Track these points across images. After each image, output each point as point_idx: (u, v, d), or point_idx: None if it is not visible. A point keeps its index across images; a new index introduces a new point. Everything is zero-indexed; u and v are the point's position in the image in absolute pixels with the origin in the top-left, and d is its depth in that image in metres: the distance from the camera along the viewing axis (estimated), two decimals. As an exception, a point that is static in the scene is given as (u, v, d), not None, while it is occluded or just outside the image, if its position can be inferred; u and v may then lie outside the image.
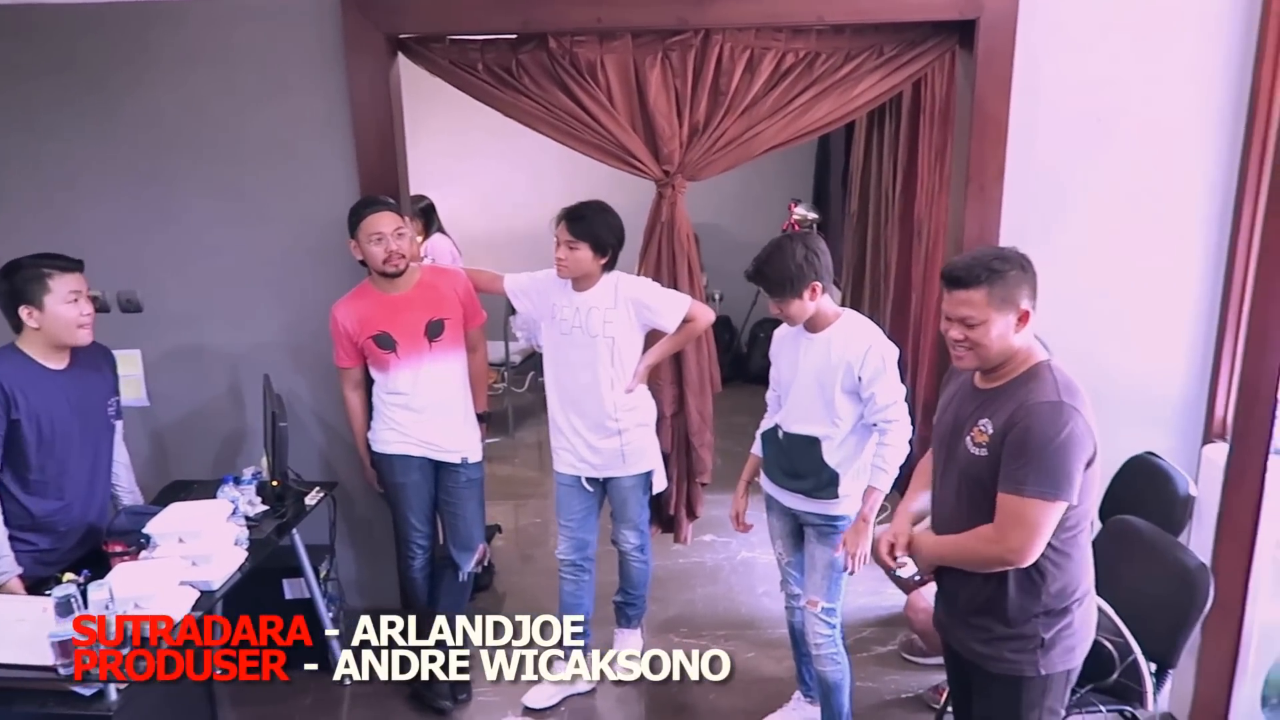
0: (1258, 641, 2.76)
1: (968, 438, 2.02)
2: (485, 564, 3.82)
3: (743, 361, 6.55)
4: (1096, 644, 2.18)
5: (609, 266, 2.94)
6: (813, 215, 5.77)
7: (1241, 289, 3.07)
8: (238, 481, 2.89)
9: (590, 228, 2.87)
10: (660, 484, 3.18)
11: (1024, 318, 1.96)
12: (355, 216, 2.91)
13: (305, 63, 3.10)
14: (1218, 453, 2.90)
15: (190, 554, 2.43)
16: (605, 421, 2.98)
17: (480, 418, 3.22)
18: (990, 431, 1.97)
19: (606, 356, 2.94)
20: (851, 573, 2.58)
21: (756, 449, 2.86)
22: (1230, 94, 3.00)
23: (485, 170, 6.56)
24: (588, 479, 3.06)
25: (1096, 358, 2.94)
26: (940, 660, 3.24)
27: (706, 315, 3.05)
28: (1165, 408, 3.26)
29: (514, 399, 5.73)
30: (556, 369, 3.04)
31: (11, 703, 2.09)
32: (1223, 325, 3.16)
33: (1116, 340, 3.20)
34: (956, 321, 1.99)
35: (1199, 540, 2.83)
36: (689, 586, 3.89)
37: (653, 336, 3.05)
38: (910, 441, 2.57)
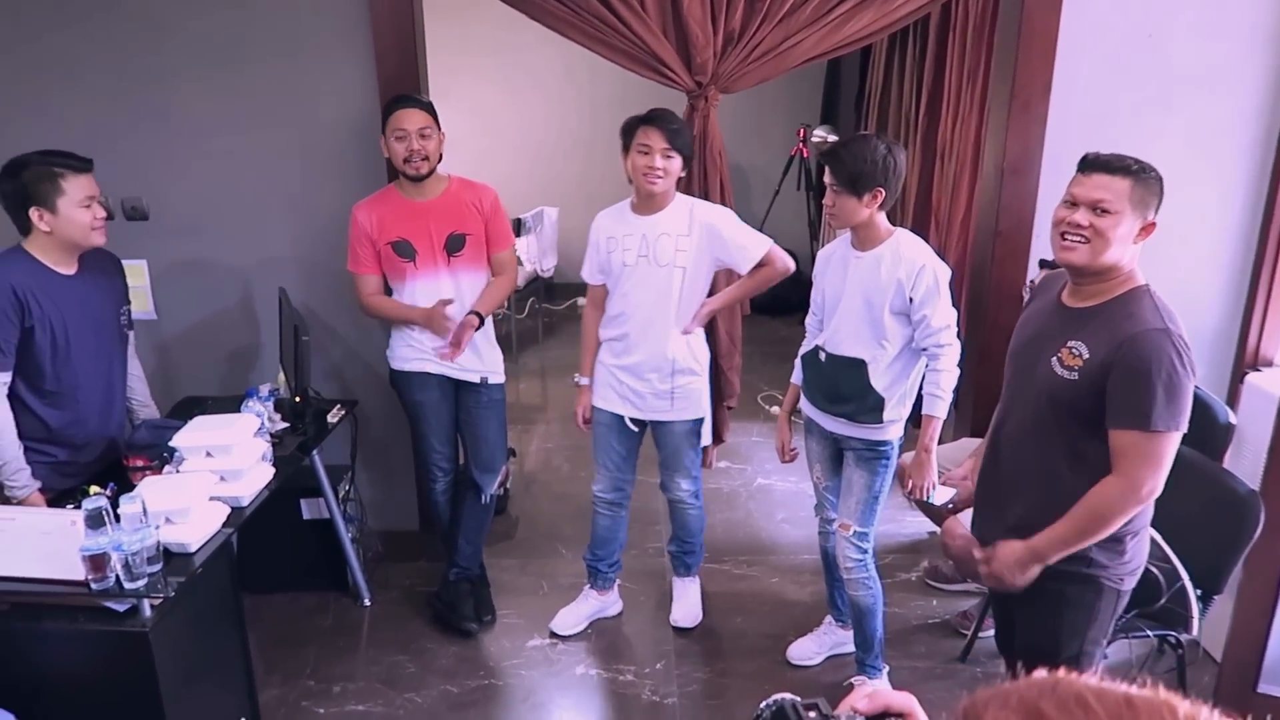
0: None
1: (1054, 358, 1.92)
2: (505, 487, 3.75)
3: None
4: (1144, 570, 2.15)
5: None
6: (833, 138, 5.60)
7: (1281, 219, 3.00)
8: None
9: (686, 137, 2.68)
10: (707, 438, 2.97)
11: (1147, 229, 1.88)
12: (385, 110, 2.80)
13: (320, -47, 2.90)
14: (1265, 380, 2.86)
15: (219, 469, 2.33)
16: (660, 361, 2.78)
17: (476, 315, 2.88)
18: (1085, 355, 1.87)
19: (675, 289, 2.74)
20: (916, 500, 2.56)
21: (796, 378, 2.75)
22: (1284, 14, 2.91)
23: (485, 89, 6.37)
24: (632, 419, 2.91)
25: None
26: (965, 586, 3.24)
27: (785, 262, 2.79)
28: (1198, 336, 3.20)
29: (517, 324, 5.61)
30: (614, 302, 2.82)
31: (40, 618, 2.00)
32: (1260, 256, 3.10)
33: (1150, 267, 3.12)
34: (1086, 206, 1.87)
35: (1237, 469, 2.80)
36: (707, 513, 3.80)
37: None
38: (959, 364, 2.50)
